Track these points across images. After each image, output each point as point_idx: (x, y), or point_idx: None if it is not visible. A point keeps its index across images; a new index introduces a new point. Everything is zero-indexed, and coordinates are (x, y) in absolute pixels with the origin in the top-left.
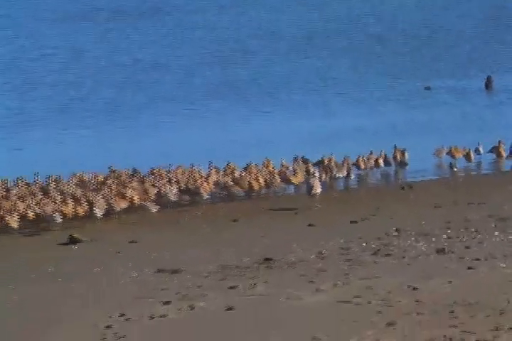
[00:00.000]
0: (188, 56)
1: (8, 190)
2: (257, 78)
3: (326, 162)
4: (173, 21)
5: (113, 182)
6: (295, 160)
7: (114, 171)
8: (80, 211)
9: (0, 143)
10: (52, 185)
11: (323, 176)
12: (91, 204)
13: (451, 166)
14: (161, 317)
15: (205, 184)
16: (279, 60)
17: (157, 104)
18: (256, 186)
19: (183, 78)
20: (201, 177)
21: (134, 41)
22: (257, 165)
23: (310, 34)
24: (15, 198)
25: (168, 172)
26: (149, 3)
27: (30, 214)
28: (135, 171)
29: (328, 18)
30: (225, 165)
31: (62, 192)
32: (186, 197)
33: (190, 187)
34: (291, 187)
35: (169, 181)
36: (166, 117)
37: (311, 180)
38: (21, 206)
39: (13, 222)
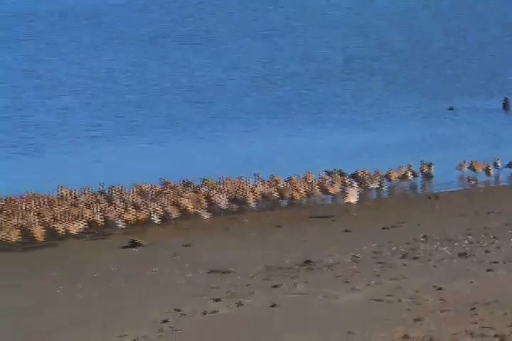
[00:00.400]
0: (238, 78)
1: (76, 199)
2: (301, 98)
3: (360, 174)
4: (223, 46)
5: (169, 192)
6: (332, 172)
7: (166, 183)
8: (140, 217)
9: (82, 156)
10: (116, 193)
11: (358, 187)
12: (150, 211)
13: (469, 179)
14: (212, 312)
15: (251, 194)
16: (320, 82)
17: (215, 121)
18: (297, 196)
19: (235, 98)
20: (248, 187)
21: (192, 64)
22: (298, 177)
23: (346, 57)
24: (82, 205)
25: (219, 183)
26: (202, 31)
27: (96, 220)
28: (188, 182)
29: (358, 42)
30: (270, 177)
31: (124, 201)
32: (235, 206)
33: (238, 196)
34: (329, 197)
35: (220, 191)
36: (220, 133)
37: (348, 190)
38: (88, 212)
39: (76, 228)
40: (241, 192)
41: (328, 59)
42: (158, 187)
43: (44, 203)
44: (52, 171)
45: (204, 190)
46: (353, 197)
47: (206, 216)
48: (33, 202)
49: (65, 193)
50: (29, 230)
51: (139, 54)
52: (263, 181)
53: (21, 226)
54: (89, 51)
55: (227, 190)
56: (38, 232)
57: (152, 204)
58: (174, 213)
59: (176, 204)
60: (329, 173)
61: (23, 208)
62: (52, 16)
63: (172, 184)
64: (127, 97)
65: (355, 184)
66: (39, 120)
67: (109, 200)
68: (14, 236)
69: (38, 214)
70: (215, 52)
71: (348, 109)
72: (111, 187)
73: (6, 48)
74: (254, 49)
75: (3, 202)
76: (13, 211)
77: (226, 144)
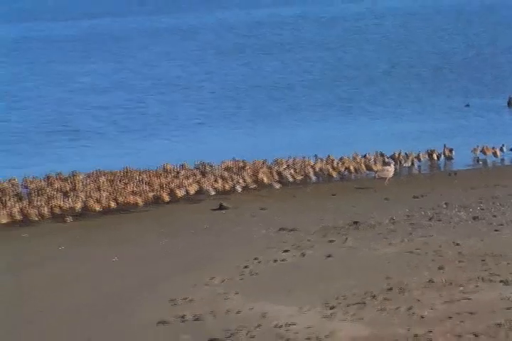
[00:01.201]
0: (308, 80)
1: (177, 172)
2: (355, 95)
3: (396, 155)
4: (296, 55)
5: (249, 167)
6: (375, 153)
7: (238, 161)
8: (226, 187)
9: (188, 139)
10: (208, 168)
11: (394, 165)
12: (234, 182)
13: (480, 160)
14: (282, 260)
15: (312, 169)
16: (366, 84)
17: (290, 112)
18: (347, 172)
19: (305, 94)
20: (310, 164)
21: (271, 68)
22: (348, 157)
23: (391, 65)
24: (182, 177)
25: (288, 160)
26: (278, 44)
27: (192, 189)
28: (264, 160)
29: (400, 52)
30: (327, 156)
31: (214, 174)
32: (299, 179)
33: (302, 171)
34: (372, 173)
35: (288, 167)
36: (294, 122)
37: (386, 167)
38: (186, 183)
39: (178, 195)
40: (304, 168)
41: (375, 66)
42: (241, 164)
43: (153, 175)
44: (163, 150)
45: (276, 166)
46: (390, 172)
47: (277, 186)
48: (144, 174)
49: (168, 168)
50: (140, 195)
51: (229, 60)
52: (321, 160)
53: (135, 192)
54: (191, 57)
55: (294, 167)
56: (149, 197)
57: (236, 176)
58: (253, 184)
59: (254, 177)
60: (373, 154)
61: (137, 179)
62: (170, 33)
63: (251, 161)
64: (222, 93)
65: (392, 162)
66: (154, 111)
67: (203, 173)
68: (132, 200)
69: (148, 183)
70: (289, 60)
71: (393, 104)
72: (203, 163)
73: (131, 57)
74: (320, 58)
75: (122, 174)
76: (129, 180)
77: (297, 130)
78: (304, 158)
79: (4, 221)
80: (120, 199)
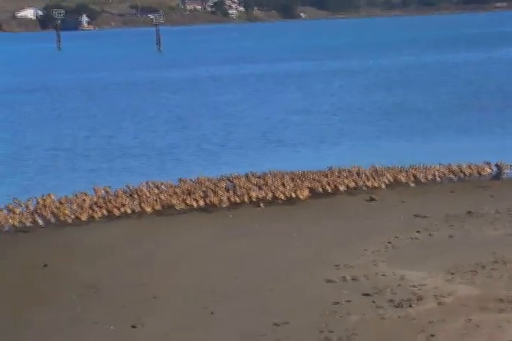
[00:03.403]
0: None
1: (339, 172)
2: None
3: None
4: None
5: (391, 170)
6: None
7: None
8: (375, 184)
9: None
10: (361, 170)
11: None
12: (380, 181)
13: None
14: (415, 239)
15: (437, 173)
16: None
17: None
18: (463, 174)
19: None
20: (436, 169)
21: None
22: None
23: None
24: (343, 176)
25: (419, 167)
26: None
27: (350, 185)
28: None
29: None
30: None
31: (366, 174)
32: (429, 179)
33: (429, 174)
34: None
35: (418, 171)
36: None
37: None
38: (346, 180)
39: (341, 187)
40: (430, 172)
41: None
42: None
43: (322, 175)
44: (320, 156)
45: (411, 170)
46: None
47: (412, 185)
48: (316, 174)
49: (332, 169)
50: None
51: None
52: (444, 165)
53: (308, 187)
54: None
55: (425, 170)
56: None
57: (381, 177)
58: (394, 182)
59: (394, 178)
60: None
61: (311, 177)
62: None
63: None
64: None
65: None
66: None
67: (358, 174)
68: (306, 192)
69: (318, 180)
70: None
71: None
72: (357, 166)
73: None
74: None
75: (300, 174)
76: (305, 179)
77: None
78: (439, 164)
79: (216, 206)
80: (298, 191)
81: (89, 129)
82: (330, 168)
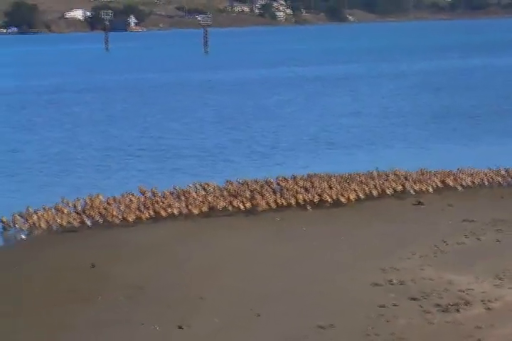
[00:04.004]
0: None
1: (387, 176)
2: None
3: None
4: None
5: (438, 174)
6: None
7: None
8: (423, 188)
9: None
10: (408, 174)
11: None
12: (427, 185)
13: None
14: (463, 243)
15: (485, 177)
16: None
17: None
18: None
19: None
20: (484, 173)
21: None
22: None
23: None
24: (390, 180)
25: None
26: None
27: (398, 188)
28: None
29: None
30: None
31: (413, 178)
32: (476, 183)
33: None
34: None
35: (466, 175)
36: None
37: None
38: (393, 184)
39: (387, 192)
40: (478, 177)
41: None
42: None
43: (368, 177)
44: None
45: (459, 173)
46: None
47: (460, 189)
48: (362, 177)
49: (377, 173)
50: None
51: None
52: (493, 170)
53: (355, 190)
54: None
55: (472, 175)
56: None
57: (429, 181)
58: (442, 186)
59: (442, 182)
60: None
61: (358, 180)
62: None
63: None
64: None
65: None
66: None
67: (405, 177)
68: (354, 195)
69: (365, 183)
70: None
71: None
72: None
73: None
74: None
75: (347, 176)
76: (352, 181)
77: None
78: (488, 169)
79: (262, 208)
80: (345, 194)
81: (140, 130)
82: (377, 171)
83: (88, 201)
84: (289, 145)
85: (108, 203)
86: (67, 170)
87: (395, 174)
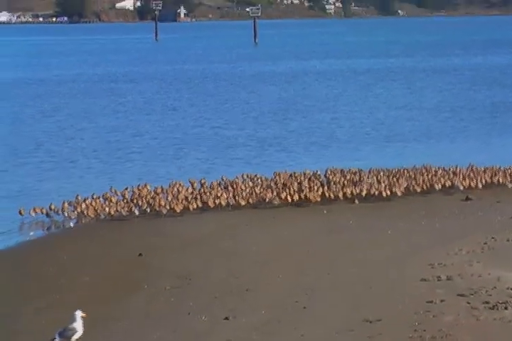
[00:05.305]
0: None
1: (435, 171)
2: None
3: None
4: None
5: (488, 170)
6: None
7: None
8: (472, 184)
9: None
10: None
11: None
12: (476, 181)
13: None
14: (508, 240)
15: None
16: None
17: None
18: None
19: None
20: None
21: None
22: None
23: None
24: (439, 175)
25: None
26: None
27: (446, 184)
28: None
29: None
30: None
31: (463, 174)
32: None
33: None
34: None
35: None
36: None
37: None
38: (442, 179)
39: (437, 186)
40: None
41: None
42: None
43: (418, 173)
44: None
45: (510, 169)
46: None
47: (510, 186)
48: (412, 172)
49: (428, 168)
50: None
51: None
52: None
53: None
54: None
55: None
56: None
57: (478, 177)
58: (490, 182)
59: (491, 178)
60: None
61: (406, 175)
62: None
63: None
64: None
65: None
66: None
67: (454, 173)
68: (401, 190)
69: (414, 178)
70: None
71: None
72: (454, 166)
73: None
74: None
75: (395, 171)
76: (401, 176)
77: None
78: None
79: (310, 200)
80: (394, 189)
81: (194, 119)
82: (426, 166)
83: (136, 190)
84: (347, 137)
85: (156, 193)
86: (123, 158)
87: (444, 169)
